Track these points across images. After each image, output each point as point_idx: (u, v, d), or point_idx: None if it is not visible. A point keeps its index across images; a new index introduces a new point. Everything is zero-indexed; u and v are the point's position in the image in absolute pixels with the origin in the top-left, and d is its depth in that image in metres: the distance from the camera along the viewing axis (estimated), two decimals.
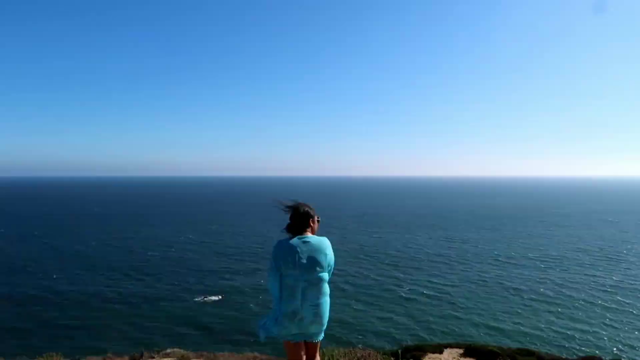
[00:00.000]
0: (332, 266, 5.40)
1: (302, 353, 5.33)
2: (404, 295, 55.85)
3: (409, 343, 39.69)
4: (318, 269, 5.13)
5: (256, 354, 14.01)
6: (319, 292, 5.15)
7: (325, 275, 5.23)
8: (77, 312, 49.78)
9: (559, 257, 78.66)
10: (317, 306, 5.12)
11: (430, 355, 12.28)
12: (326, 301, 5.23)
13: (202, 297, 54.74)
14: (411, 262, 75.21)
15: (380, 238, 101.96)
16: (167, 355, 10.77)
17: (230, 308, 50.87)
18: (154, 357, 10.51)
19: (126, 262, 75.78)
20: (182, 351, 11.26)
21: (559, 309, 50.21)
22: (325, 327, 5.32)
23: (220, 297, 55.10)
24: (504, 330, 43.86)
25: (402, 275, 65.98)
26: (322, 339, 5.51)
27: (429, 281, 62.42)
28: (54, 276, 65.86)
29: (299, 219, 5.40)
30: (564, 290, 57.58)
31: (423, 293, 56.62)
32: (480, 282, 62.05)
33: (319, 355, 5.55)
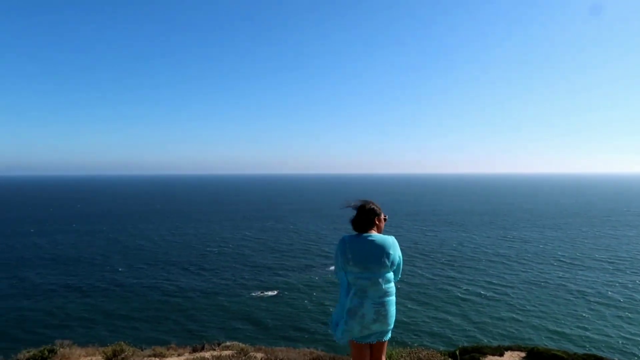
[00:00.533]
0: (400, 265, 5.33)
1: (367, 353, 5.24)
2: (459, 295, 54.29)
3: (466, 344, 38.70)
4: (381, 267, 5.08)
5: (312, 349, 13.93)
6: (382, 291, 5.09)
7: (390, 275, 5.18)
8: (139, 304, 52.11)
9: (629, 259, 73.78)
10: (380, 305, 5.07)
11: (490, 357, 11.69)
12: (390, 301, 5.16)
13: (259, 293, 55.76)
14: (468, 261, 73.05)
15: (436, 236, 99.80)
16: (227, 348, 10.92)
17: (285, 304, 51.43)
18: (214, 350, 10.69)
19: (185, 257, 78.53)
20: (240, 345, 11.38)
21: (629, 314, 47.01)
22: (391, 327, 5.23)
23: (275, 292, 55.88)
24: (567, 335, 41.60)
25: (458, 274, 64.20)
26: (388, 340, 5.40)
27: (487, 281, 60.33)
28: (119, 269, 69.33)
29: (364, 217, 5.35)
30: (635, 295, 53.90)
31: (480, 294, 54.79)
32: (542, 283, 59.24)
33: (385, 357, 5.42)
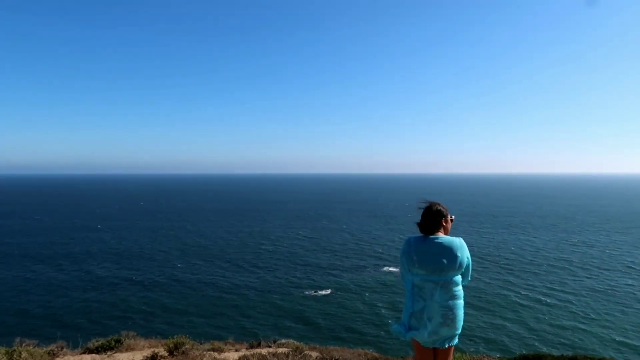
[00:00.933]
0: (469, 268, 5.22)
1: (431, 357, 5.17)
2: (517, 300, 52.31)
3: (524, 352, 37.26)
4: (448, 270, 4.99)
5: (367, 350, 13.90)
6: (449, 294, 5.01)
7: (457, 278, 5.08)
8: (195, 299, 53.88)
9: None
10: (447, 309, 5.00)
11: None
12: (458, 304, 5.07)
13: (311, 292, 56.23)
14: (527, 265, 70.28)
15: (493, 239, 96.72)
16: (282, 345, 11.12)
17: (337, 304, 51.51)
18: (270, 347, 10.91)
19: (240, 254, 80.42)
20: (295, 343, 11.54)
21: None
22: (459, 331, 5.13)
23: (327, 292, 56.13)
24: (637, 348, 39.09)
25: (516, 279, 61.90)
26: (455, 345, 5.31)
27: (547, 287, 57.78)
28: (178, 265, 72.04)
29: (431, 218, 5.25)
30: None
31: (540, 300, 52.55)
32: (608, 291, 56.01)
33: None
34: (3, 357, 6.67)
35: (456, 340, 5.22)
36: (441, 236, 5.14)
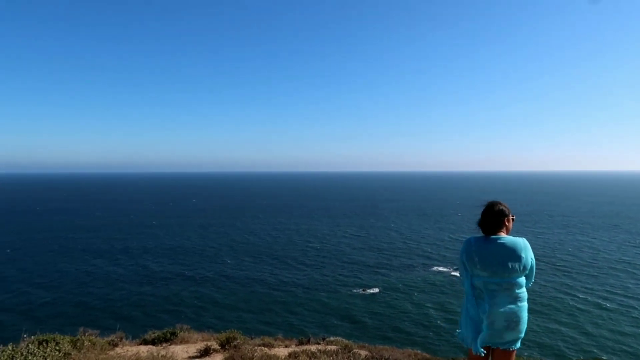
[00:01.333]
0: (532, 269, 5.02)
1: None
2: (575, 304, 50.07)
3: (581, 358, 35.61)
4: (511, 272, 4.80)
5: (417, 351, 13.75)
6: (512, 297, 4.83)
7: (521, 279, 4.88)
8: (244, 295, 54.97)
9: None
10: (510, 312, 4.81)
11: None
12: (522, 307, 4.88)
13: (358, 290, 56.14)
14: (585, 267, 67.13)
15: (549, 239, 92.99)
16: (331, 343, 11.18)
17: (384, 304, 51.16)
18: (319, 344, 10.99)
19: (287, 252, 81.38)
20: (345, 341, 11.58)
21: None
22: (522, 335, 4.91)
23: (374, 291, 55.86)
24: None
25: (573, 282, 59.25)
26: (517, 349, 5.17)
27: (607, 291, 54.96)
28: (227, 261, 73.81)
29: (492, 218, 5.03)
30: None
31: (599, 304, 50.07)
32: None
33: None
34: (68, 345, 7.06)
35: (519, 344, 5.02)
36: (504, 236, 4.95)
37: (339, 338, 12.07)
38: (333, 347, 9.98)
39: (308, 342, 10.96)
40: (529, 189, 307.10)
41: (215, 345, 9.37)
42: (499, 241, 4.87)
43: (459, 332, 5.27)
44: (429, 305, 50.19)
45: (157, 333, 10.32)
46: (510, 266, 4.77)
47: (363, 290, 56.08)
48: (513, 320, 4.79)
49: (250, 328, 38.34)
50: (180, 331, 10.50)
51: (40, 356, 6.14)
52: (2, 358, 6.09)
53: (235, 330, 10.12)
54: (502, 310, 4.76)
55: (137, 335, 11.82)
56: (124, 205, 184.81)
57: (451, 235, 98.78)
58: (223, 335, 9.61)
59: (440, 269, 66.20)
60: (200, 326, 20.40)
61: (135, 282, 61.33)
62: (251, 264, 72.06)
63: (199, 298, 54.02)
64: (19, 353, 6.17)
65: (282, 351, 9.42)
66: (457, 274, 63.68)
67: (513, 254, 4.80)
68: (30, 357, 6.07)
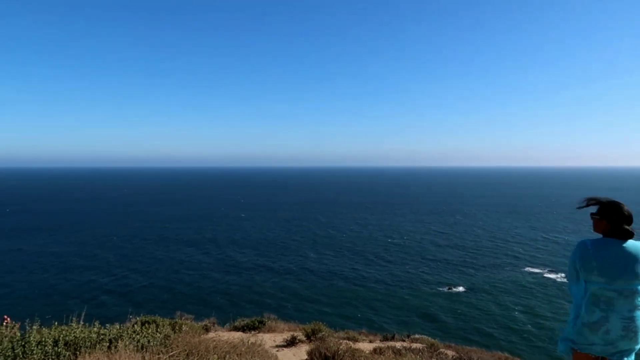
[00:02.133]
0: None
1: None
2: None
3: None
4: (634, 278, 4.42)
5: (506, 354, 13.17)
6: (632, 305, 4.43)
7: None
8: (324, 289, 55.66)
9: None
10: (629, 320, 4.41)
11: None
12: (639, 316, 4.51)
13: (441, 289, 54.72)
14: None
15: None
16: (416, 340, 11.01)
17: (467, 304, 49.42)
18: (404, 341, 10.87)
19: (369, 247, 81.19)
20: (430, 339, 11.37)
21: None
22: (638, 347, 4.50)
23: (458, 290, 54.16)
24: None
25: None
26: None
27: None
28: (310, 254, 75.19)
29: (623, 221, 4.56)
30: None
31: None
32: None
33: None
34: (168, 327, 7.57)
35: (632, 357, 4.58)
36: (628, 241, 4.52)
37: (424, 336, 11.84)
38: (418, 345, 9.80)
39: (392, 339, 10.86)
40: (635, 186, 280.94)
41: (300, 335, 9.58)
42: (622, 245, 4.45)
43: (562, 341, 4.88)
44: (517, 308, 47.73)
45: (246, 321, 10.76)
46: (632, 272, 4.36)
47: (449, 289, 54.58)
48: (631, 330, 4.36)
49: (330, 322, 38.76)
50: (268, 320, 10.87)
51: (143, 335, 6.62)
52: (111, 333, 6.63)
53: (320, 323, 10.28)
54: (620, 318, 4.37)
55: (224, 321, 12.42)
56: (216, 198, 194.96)
57: (544, 235, 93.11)
58: (308, 327, 9.80)
59: (531, 270, 62.70)
60: (281, 317, 21.03)
61: (222, 271, 64.47)
62: (333, 258, 72.83)
63: (281, 289, 55.59)
64: (125, 332, 6.70)
65: (367, 346, 9.41)
66: (550, 276, 59.96)
67: (636, 259, 4.39)
68: (135, 336, 6.57)
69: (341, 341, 8.82)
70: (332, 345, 7.90)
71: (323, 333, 9.71)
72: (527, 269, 63.48)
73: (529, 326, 42.84)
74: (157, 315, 9.66)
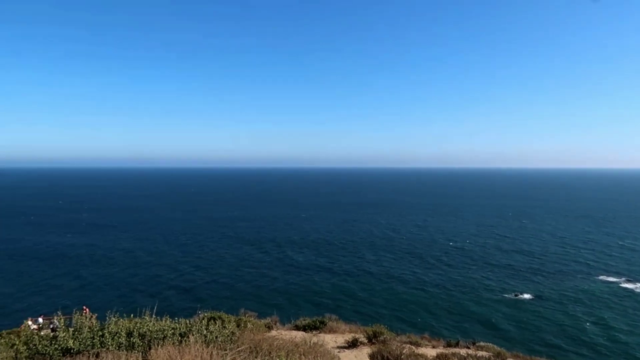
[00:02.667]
0: None
1: None
2: None
3: None
4: None
5: None
6: None
7: None
8: (381, 291, 54.89)
9: None
10: None
11: None
12: None
13: (504, 296, 52.55)
14: None
15: None
16: (481, 348, 10.67)
17: (533, 313, 47.01)
18: (469, 348, 10.56)
19: (429, 250, 79.45)
20: (497, 348, 10.98)
21: None
22: None
23: (522, 298, 51.77)
24: None
25: None
26: None
27: None
28: (368, 256, 74.66)
29: None
30: None
31: None
32: None
33: None
34: (233, 324, 7.77)
35: None
36: None
37: (489, 344, 11.41)
38: (484, 353, 9.46)
39: (457, 345, 10.55)
40: None
41: (362, 338, 9.52)
42: None
43: None
44: (589, 319, 44.94)
45: (307, 320, 10.84)
46: None
47: (515, 296, 52.35)
48: None
49: (389, 325, 38.36)
50: (329, 321, 10.89)
51: (210, 331, 6.84)
52: (181, 327, 6.89)
53: (382, 325, 10.17)
54: None
55: (283, 320, 12.58)
56: (275, 198, 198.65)
57: (620, 242, 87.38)
58: (370, 329, 9.72)
59: (606, 279, 58.96)
60: (339, 317, 21.08)
61: (281, 270, 65.48)
62: (391, 260, 72.00)
63: (339, 290, 55.58)
64: (195, 326, 6.95)
65: (430, 351, 9.19)
66: (627, 286, 56.06)
67: None
68: (203, 331, 6.79)
69: (403, 345, 8.68)
70: (394, 348, 7.78)
71: (385, 336, 9.61)
72: (600, 277, 59.76)
73: (602, 339, 40.24)
74: (221, 311, 9.92)
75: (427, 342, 10.71)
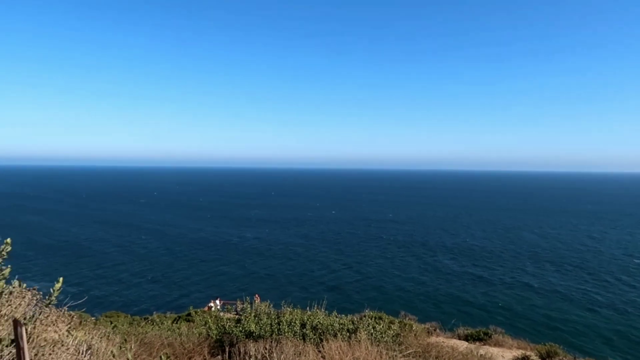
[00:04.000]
0: None
1: None
2: None
3: None
4: None
5: None
6: None
7: None
8: (544, 308, 49.63)
9: None
10: None
11: None
12: None
13: None
14: None
15: None
16: None
17: None
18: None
19: (603, 265, 69.72)
20: None
21: None
22: None
23: None
24: None
25: None
26: None
27: None
28: (528, 267, 68.63)
29: None
30: None
31: None
32: None
33: None
34: (397, 326, 7.78)
35: None
36: None
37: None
38: None
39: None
40: None
41: (533, 355, 8.76)
42: None
43: None
44: None
45: (471, 330, 10.37)
46: None
47: None
48: None
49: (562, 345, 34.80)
50: (494, 333, 10.28)
51: (377, 330, 6.95)
52: (347, 324, 7.12)
53: (556, 345, 9.26)
54: None
55: (448, 327, 12.18)
56: (430, 201, 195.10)
57: None
58: (543, 348, 8.88)
59: None
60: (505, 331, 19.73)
61: (431, 276, 63.84)
62: (555, 274, 65.28)
63: (492, 301, 52.15)
64: (361, 324, 7.13)
65: None
66: None
67: None
68: (369, 329, 6.94)
69: None
70: None
71: (560, 357, 8.71)
72: None
73: None
74: (382, 311, 10.02)
75: None
